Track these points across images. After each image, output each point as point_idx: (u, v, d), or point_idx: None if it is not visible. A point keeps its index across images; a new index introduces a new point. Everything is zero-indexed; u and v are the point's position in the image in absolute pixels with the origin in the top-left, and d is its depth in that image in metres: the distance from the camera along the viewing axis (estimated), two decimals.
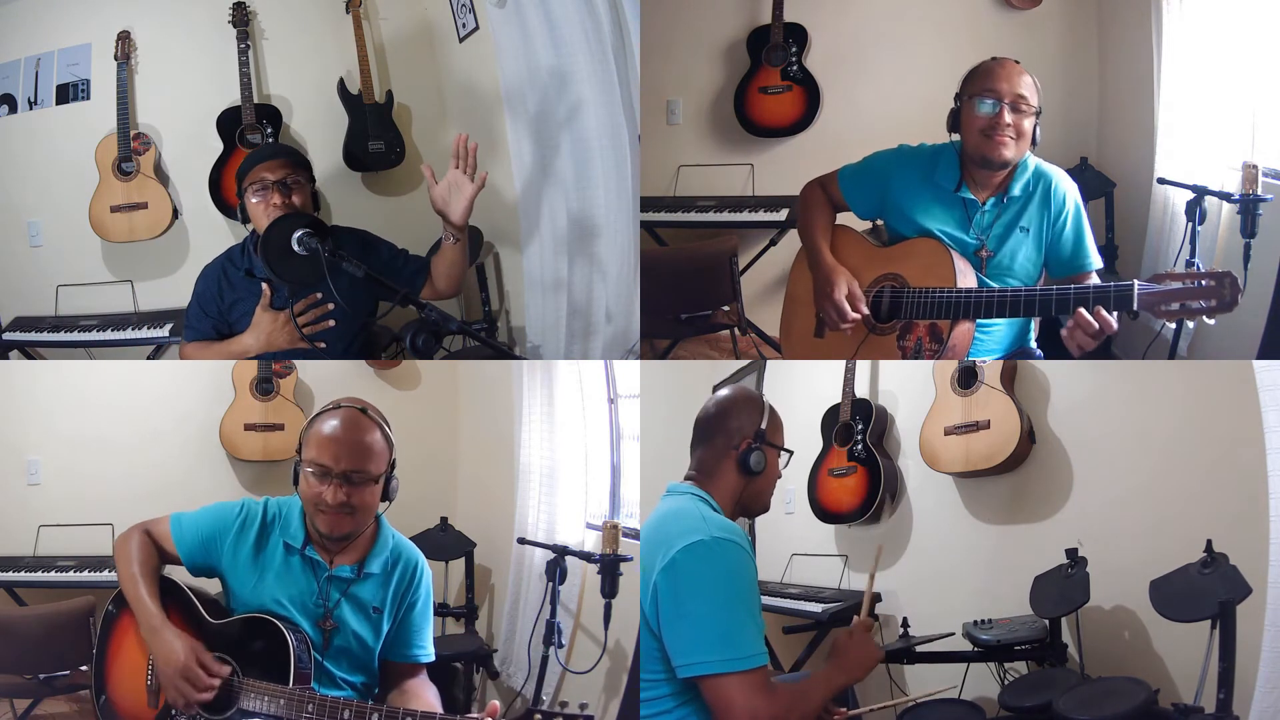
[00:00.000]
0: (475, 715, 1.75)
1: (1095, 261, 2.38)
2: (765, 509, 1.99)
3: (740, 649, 1.69)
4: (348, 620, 2.02)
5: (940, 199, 2.39)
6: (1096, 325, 2.09)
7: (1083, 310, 2.10)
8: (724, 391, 2.01)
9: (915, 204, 2.40)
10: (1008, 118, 2.28)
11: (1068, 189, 2.38)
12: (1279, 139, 3.03)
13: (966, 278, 2.31)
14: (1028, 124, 2.31)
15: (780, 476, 2.00)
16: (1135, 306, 2.07)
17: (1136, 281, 2.07)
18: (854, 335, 2.43)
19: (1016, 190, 2.35)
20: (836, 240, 2.53)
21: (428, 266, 2.69)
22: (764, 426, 1.93)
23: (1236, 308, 2.05)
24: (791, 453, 2.00)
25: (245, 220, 2.54)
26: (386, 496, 2.03)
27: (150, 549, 2.00)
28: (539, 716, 1.70)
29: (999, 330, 2.42)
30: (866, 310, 2.40)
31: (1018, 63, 2.34)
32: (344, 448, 1.94)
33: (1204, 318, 2.07)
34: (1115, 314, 2.11)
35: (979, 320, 2.32)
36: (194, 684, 1.85)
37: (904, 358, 2.37)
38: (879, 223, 2.55)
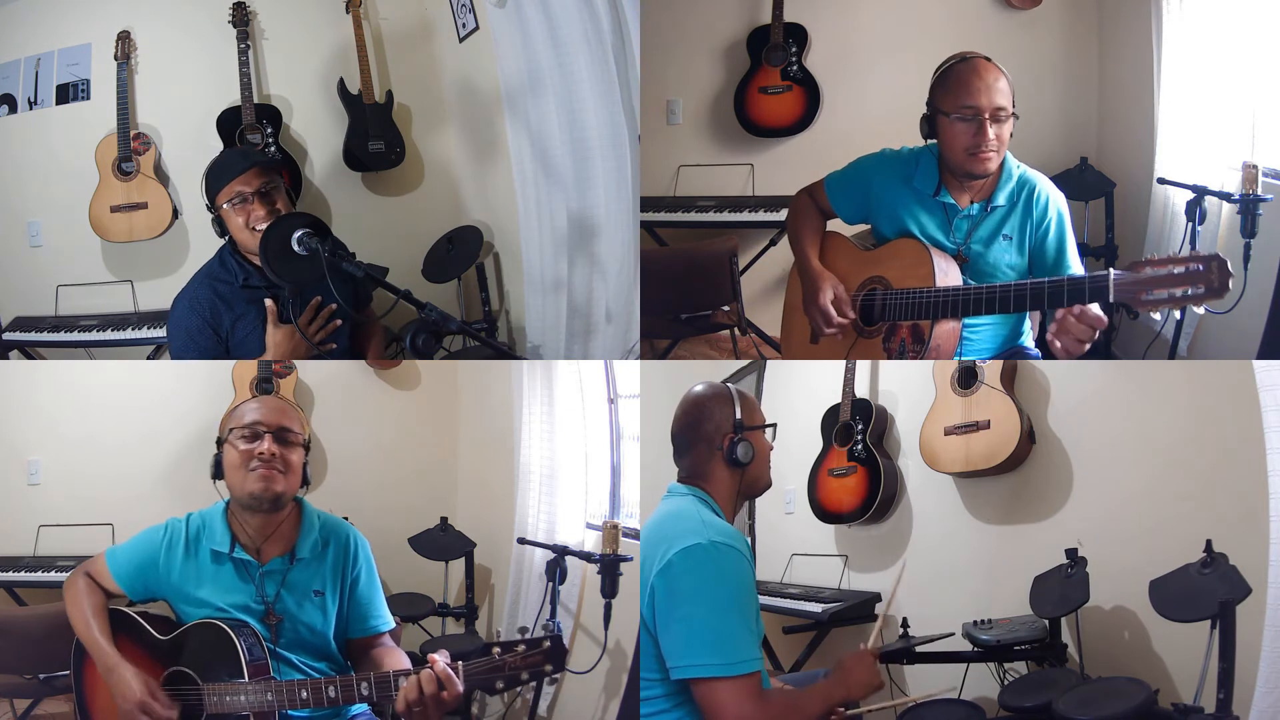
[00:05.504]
0: (420, 668, 1.75)
1: (1077, 270, 2.34)
2: (768, 486, 1.99)
3: (732, 654, 1.68)
4: (292, 610, 2.05)
5: (921, 202, 2.38)
6: (1083, 325, 2.03)
7: (1067, 313, 2.04)
8: (690, 394, 1.97)
9: (897, 207, 2.40)
10: (990, 132, 2.24)
11: (1051, 196, 2.35)
12: (1279, 139, 3.03)
13: (949, 276, 2.30)
14: (1007, 130, 2.28)
15: (773, 448, 1.99)
16: (1111, 297, 1.96)
17: (1112, 270, 1.97)
18: (844, 339, 2.43)
19: (1001, 199, 2.34)
20: (826, 246, 2.53)
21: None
22: (739, 416, 1.92)
23: (1228, 296, 1.90)
24: (774, 425, 1.98)
25: (222, 232, 2.44)
26: (305, 479, 2.12)
27: (94, 590, 2.08)
28: (497, 649, 1.71)
29: (987, 329, 2.41)
30: (854, 314, 2.40)
31: (988, 60, 2.28)
32: (272, 410, 2.09)
33: (1194, 306, 1.96)
34: (1100, 309, 2.03)
35: (965, 320, 2.31)
36: (152, 717, 1.90)
37: (890, 359, 2.37)
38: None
